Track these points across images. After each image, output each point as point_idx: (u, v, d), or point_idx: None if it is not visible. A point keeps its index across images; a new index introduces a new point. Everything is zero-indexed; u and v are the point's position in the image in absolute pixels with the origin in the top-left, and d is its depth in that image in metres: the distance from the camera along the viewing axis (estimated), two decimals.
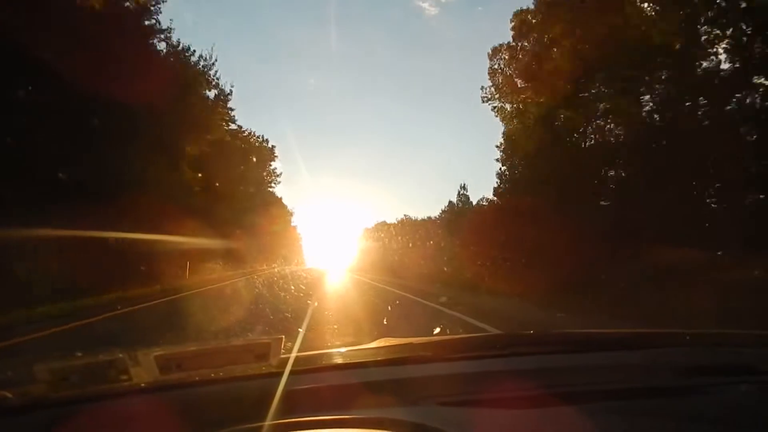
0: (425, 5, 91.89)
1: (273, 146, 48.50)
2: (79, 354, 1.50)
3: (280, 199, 59.98)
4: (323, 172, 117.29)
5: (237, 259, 35.45)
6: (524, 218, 18.09)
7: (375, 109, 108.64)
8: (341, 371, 1.40)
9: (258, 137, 46.70)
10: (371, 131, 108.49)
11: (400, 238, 41.34)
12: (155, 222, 17.85)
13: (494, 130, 75.78)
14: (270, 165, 49.45)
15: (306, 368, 1.33)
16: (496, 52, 25.70)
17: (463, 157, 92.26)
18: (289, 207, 63.48)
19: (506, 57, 25.41)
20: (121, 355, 1.34)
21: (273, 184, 50.82)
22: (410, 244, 37.78)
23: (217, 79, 29.48)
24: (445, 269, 25.21)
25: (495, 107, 26.13)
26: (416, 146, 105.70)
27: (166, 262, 19.93)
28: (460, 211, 38.38)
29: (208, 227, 25.40)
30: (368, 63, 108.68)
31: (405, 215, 52.62)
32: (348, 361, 1.48)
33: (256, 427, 1.06)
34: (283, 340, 1.50)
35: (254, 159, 45.88)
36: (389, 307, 11.90)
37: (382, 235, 47.83)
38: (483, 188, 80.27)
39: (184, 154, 24.62)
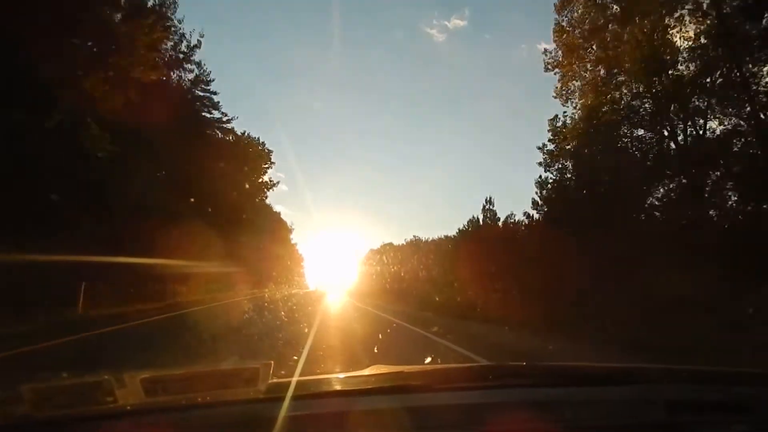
0: (433, 32, 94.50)
1: (270, 150, 42.45)
2: (65, 375, 1.48)
3: (278, 213, 56.24)
4: (329, 194, 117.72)
5: (228, 281, 32.65)
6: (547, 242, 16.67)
7: (383, 133, 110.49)
8: (330, 399, 1.40)
9: (251, 138, 40.62)
10: (379, 154, 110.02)
11: (395, 263, 38.96)
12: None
13: (513, 147, 78.01)
14: (265, 171, 43.00)
15: (297, 395, 1.32)
16: (565, 2, 19.24)
17: (478, 177, 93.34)
18: (289, 223, 60.96)
19: (579, 11, 18.78)
20: (107, 377, 1.33)
21: (267, 192, 45.39)
22: (402, 271, 35.98)
23: (179, 21, 23.89)
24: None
25: (562, 76, 20.13)
26: (427, 168, 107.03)
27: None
28: (482, 228, 33.60)
29: (192, 245, 21.89)
30: (375, 87, 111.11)
31: (414, 236, 50.34)
32: (339, 388, 1.47)
33: None
34: (272, 365, 1.49)
35: (246, 167, 39.96)
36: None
37: (384, 259, 45.61)
38: (499, 207, 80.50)
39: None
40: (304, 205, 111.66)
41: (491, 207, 34.36)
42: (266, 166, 43.38)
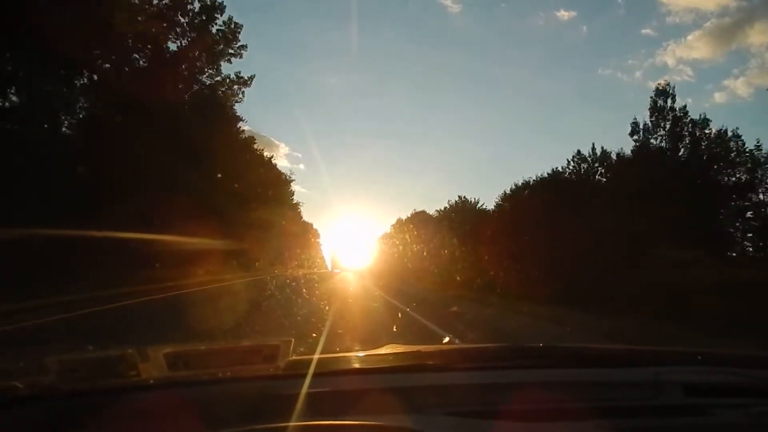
0: (447, 2, 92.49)
1: (237, 24, 26.05)
2: (90, 348, 1.52)
3: (274, 165, 45.56)
4: (350, 170, 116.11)
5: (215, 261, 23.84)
6: None
7: (404, 105, 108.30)
8: (350, 377, 1.41)
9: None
10: (402, 126, 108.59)
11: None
12: None
13: (536, 111, 76.25)
14: (227, 56, 26.59)
15: (317, 372, 1.33)
16: None
17: (508, 143, 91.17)
18: (287, 173, 50.12)
19: None
20: (130, 351, 1.36)
21: (240, 95, 29.03)
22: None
23: None
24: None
25: None
26: (449, 137, 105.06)
27: None
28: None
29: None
30: (389, 61, 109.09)
31: (460, 197, 41.80)
32: (356, 366, 1.49)
33: (275, 428, 1.06)
34: (293, 342, 1.51)
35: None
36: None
37: (398, 238, 38.87)
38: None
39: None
40: (323, 184, 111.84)
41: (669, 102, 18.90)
42: (231, 52, 26.82)
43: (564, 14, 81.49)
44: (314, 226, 71.30)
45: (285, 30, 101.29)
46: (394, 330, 8.78)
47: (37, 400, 1.18)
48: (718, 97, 65.98)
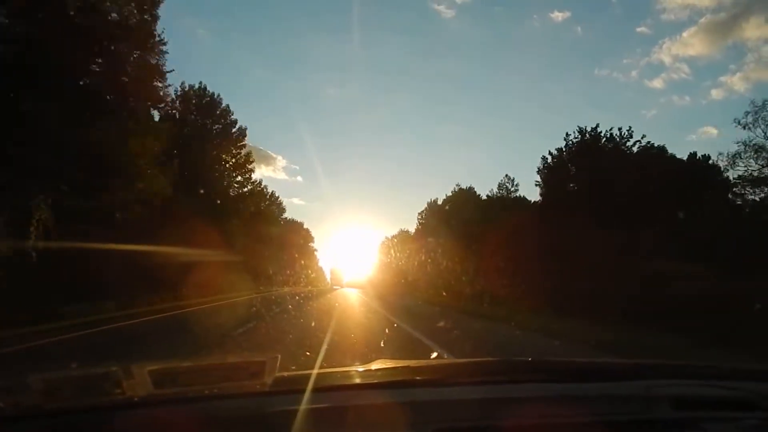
0: (441, 8, 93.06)
1: None
2: (75, 366, 1.50)
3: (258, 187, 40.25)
4: (346, 182, 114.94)
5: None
6: None
7: (401, 115, 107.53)
8: (338, 393, 1.40)
9: None
10: (396, 136, 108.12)
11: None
12: None
13: (533, 115, 75.39)
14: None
15: (303, 389, 1.32)
16: None
17: (508, 147, 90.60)
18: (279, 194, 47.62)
19: None
20: (115, 369, 1.34)
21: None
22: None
23: None
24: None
25: None
26: (449, 144, 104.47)
27: None
28: None
29: None
30: (385, 68, 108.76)
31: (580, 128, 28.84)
32: (345, 382, 1.47)
33: None
34: (279, 359, 1.50)
35: None
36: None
37: (397, 249, 36.49)
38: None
39: None
40: (322, 196, 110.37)
41: None
42: None
43: (558, 15, 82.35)
44: (305, 226, 68.81)
45: (281, 44, 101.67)
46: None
47: (21, 419, 1.15)
48: (715, 93, 66.60)
